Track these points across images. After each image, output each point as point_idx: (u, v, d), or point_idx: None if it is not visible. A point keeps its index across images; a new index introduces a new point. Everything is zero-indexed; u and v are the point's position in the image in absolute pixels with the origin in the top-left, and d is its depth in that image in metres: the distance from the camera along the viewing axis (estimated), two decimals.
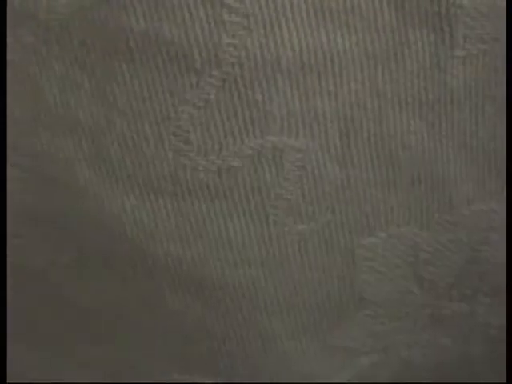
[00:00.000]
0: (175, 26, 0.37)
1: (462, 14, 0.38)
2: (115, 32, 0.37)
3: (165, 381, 0.51)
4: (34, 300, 0.49)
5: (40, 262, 0.47)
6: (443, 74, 0.40)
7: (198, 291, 0.46)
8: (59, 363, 0.52)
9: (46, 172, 0.42)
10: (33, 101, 0.40)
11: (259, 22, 0.37)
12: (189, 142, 0.40)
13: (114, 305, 0.48)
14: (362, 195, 0.43)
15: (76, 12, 0.37)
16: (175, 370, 0.51)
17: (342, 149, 0.41)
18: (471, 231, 0.46)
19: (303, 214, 0.43)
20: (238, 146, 0.40)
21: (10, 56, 0.39)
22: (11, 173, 0.42)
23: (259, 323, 0.47)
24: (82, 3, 0.37)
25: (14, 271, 0.45)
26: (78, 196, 0.43)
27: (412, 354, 0.53)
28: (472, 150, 0.43)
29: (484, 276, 0.48)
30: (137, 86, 0.39)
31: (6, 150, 0.40)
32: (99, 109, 0.40)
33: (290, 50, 0.38)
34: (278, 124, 0.40)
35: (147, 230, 0.43)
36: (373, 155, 0.42)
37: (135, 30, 0.37)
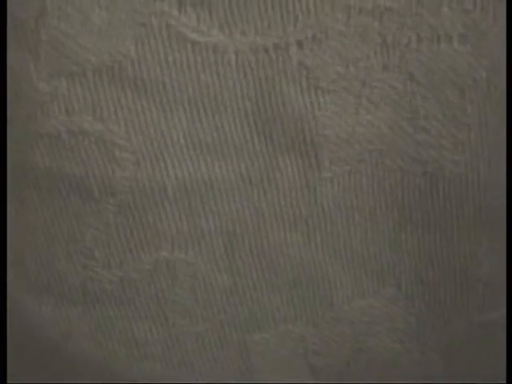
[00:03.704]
0: (74, 163, 0.43)
1: (326, 142, 0.44)
2: (25, 167, 0.43)
3: None
4: None
5: None
6: (313, 193, 0.45)
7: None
8: None
9: None
10: None
11: (146, 157, 0.43)
12: (94, 258, 0.46)
13: None
14: (249, 298, 0.48)
15: None
16: None
17: (228, 260, 0.47)
18: (354, 325, 0.50)
19: (198, 316, 0.49)
20: (137, 260, 0.46)
21: None
22: None
23: None
24: None
25: None
26: (9, 304, 0.48)
27: None
28: (347, 255, 0.48)
29: (371, 363, 0.52)
30: (46, 212, 0.45)
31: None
32: (18, 234, 0.46)
33: (175, 180, 0.44)
34: (170, 241, 0.46)
35: (63, 332, 0.49)
36: (256, 264, 0.47)
37: (41, 166, 0.43)
